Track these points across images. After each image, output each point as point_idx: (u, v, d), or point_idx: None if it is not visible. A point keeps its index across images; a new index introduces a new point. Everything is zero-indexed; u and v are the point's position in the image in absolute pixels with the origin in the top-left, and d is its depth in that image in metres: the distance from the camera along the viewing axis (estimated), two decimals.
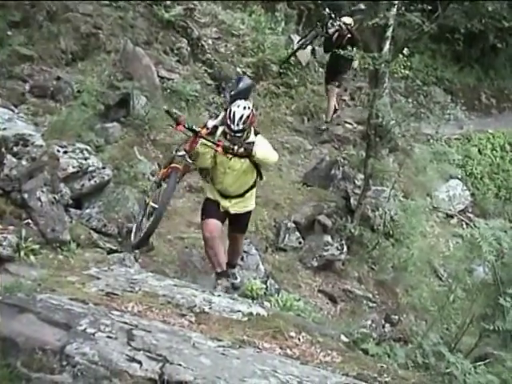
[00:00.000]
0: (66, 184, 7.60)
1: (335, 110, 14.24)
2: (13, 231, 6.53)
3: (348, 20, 13.45)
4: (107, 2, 12.43)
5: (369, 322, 9.58)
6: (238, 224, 7.78)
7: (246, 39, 14.66)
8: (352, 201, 11.20)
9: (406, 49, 10.86)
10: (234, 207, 7.50)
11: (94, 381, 4.10)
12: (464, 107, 15.05)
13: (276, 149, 12.12)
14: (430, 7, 10.33)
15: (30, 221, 6.85)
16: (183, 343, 4.61)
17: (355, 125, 14.50)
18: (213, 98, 12.37)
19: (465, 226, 13.79)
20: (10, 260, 6.24)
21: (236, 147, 6.88)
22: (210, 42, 13.96)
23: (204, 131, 7.41)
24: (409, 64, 11.03)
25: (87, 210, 7.80)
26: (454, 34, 18.47)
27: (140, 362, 4.23)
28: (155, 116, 10.48)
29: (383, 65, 10.40)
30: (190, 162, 7.41)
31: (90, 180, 7.92)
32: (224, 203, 7.44)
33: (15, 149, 6.89)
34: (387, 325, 9.76)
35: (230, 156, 7.06)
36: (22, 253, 6.38)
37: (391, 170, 11.87)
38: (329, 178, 11.73)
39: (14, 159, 6.91)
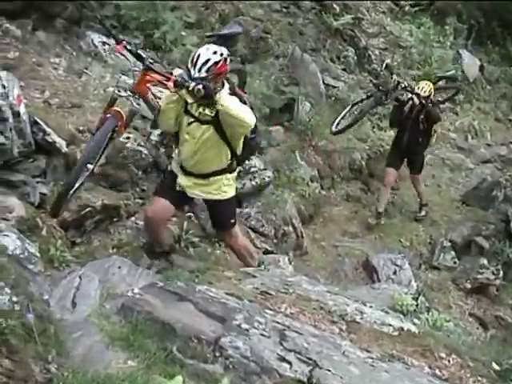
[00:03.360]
0: None
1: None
2: (175, 223, 6.79)
3: (426, 87, 10.21)
4: (278, 8, 12.66)
5: None
6: (213, 217, 6.38)
7: (413, 51, 14.49)
8: None
9: None
10: (193, 189, 6.04)
11: (244, 375, 4.15)
12: None
13: (431, 164, 12.19)
14: None
15: (192, 214, 7.10)
16: (333, 350, 4.59)
17: None
18: (376, 109, 12.29)
19: None
20: (171, 250, 6.48)
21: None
22: (376, 52, 13.92)
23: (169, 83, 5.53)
24: None
25: (246, 209, 7.96)
26: None
27: (290, 363, 4.25)
28: (318, 122, 10.55)
29: None
30: (137, 106, 5.89)
31: (251, 180, 8.07)
32: (182, 180, 6.01)
33: None
34: None
35: (191, 119, 5.72)
36: (182, 244, 6.63)
37: None
38: (489, 199, 11.36)
39: None
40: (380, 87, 10.77)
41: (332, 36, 13.15)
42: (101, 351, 4.33)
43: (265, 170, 8.27)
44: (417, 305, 8.01)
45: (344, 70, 12.87)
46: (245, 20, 11.77)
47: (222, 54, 5.53)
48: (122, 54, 5.87)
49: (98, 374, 4.00)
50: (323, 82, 11.86)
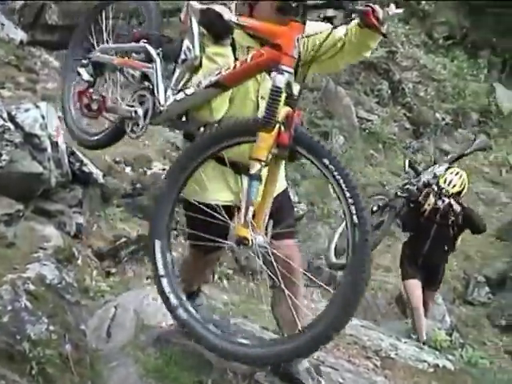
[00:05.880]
0: None
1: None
2: None
3: (455, 179, 7.35)
4: None
5: None
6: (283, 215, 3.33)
7: (447, 85, 14.50)
8: None
9: None
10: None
11: None
12: None
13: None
14: None
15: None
16: None
17: None
18: (410, 142, 12.27)
19: None
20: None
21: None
22: (410, 85, 13.92)
23: None
24: None
25: None
26: None
27: None
28: (352, 156, 10.56)
29: None
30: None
31: None
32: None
33: None
34: None
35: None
36: (216, 276, 6.63)
37: None
38: None
39: None
40: (399, 192, 7.90)
41: (366, 69, 13.23)
42: (135, 382, 4.31)
43: (299, 202, 8.28)
44: (451, 340, 7.93)
45: (378, 103, 12.93)
46: None
47: None
48: None
49: None
50: (357, 115, 11.90)
